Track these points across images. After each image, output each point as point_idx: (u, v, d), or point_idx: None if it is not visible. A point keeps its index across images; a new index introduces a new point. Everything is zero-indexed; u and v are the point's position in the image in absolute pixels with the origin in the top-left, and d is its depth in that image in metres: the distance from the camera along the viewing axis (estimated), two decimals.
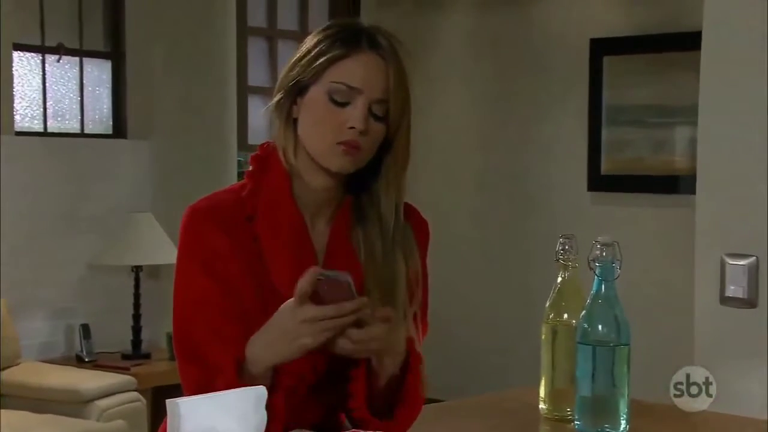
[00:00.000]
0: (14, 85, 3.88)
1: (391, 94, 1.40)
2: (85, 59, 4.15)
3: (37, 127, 4.03)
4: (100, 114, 4.24)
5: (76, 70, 4.13)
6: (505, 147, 4.76)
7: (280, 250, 1.39)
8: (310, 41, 1.41)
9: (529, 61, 4.69)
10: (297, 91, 1.40)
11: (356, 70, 1.38)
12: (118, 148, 4.16)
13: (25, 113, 4.01)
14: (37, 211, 3.85)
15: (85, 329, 3.89)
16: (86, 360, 3.82)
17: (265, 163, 1.43)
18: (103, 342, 3.95)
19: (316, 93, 1.39)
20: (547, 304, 1.59)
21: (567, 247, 1.58)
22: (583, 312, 1.47)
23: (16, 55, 3.90)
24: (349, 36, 1.40)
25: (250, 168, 1.43)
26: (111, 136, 4.22)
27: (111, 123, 4.24)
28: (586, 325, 1.46)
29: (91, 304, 4.00)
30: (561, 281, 1.59)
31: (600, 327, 1.45)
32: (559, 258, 1.58)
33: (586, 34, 4.49)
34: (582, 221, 4.34)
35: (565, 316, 1.58)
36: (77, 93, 4.14)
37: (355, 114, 1.38)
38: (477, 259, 4.82)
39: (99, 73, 4.22)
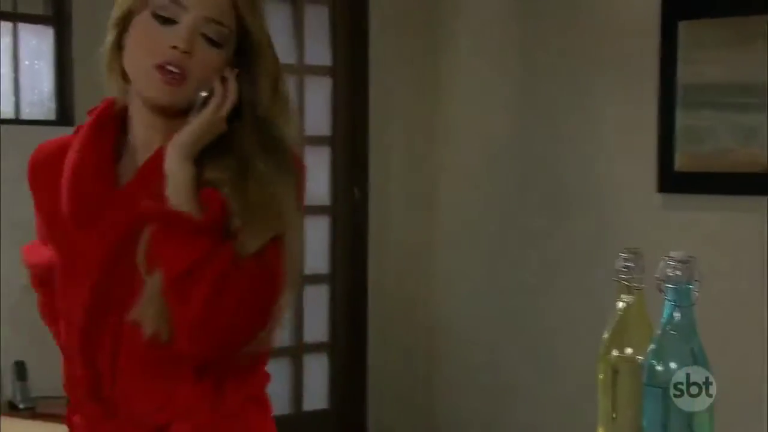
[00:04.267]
0: None
1: (247, 12, 1.57)
2: (20, 25, 4.17)
3: None
4: (39, 95, 4.26)
5: (9, 39, 4.15)
6: (550, 137, 4.76)
7: (67, 176, 1.64)
8: None
9: (581, 28, 4.69)
10: (127, 21, 1.60)
11: None
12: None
13: None
14: None
15: (20, 368, 3.90)
16: (21, 407, 3.83)
17: (95, 110, 1.70)
18: (43, 384, 3.95)
19: (141, 15, 1.58)
20: (606, 335, 1.59)
21: (631, 265, 1.57)
22: (652, 346, 1.47)
23: None
24: None
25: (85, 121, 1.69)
26: (54, 123, 4.24)
27: (54, 106, 4.26)
28: (655, 363, 1.46)
29: (27, 335, 4.01)
30: (623, 307, 1.59)
31: (673, 365, 1.45)
32: (621, 278, 1.58)
33: None
34: (650, 231, 4.33)
35: (629, 350, 1.58)
36: (10, 68, 4.16)
37: (177, 30, 1.54)
38: (515, 277, 4.82)
39: (38, 42, 4.24)
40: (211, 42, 1.56)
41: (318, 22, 4.94)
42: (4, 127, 4.08)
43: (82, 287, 1.62)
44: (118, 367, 1.62)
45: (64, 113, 4.26)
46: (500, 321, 4.84)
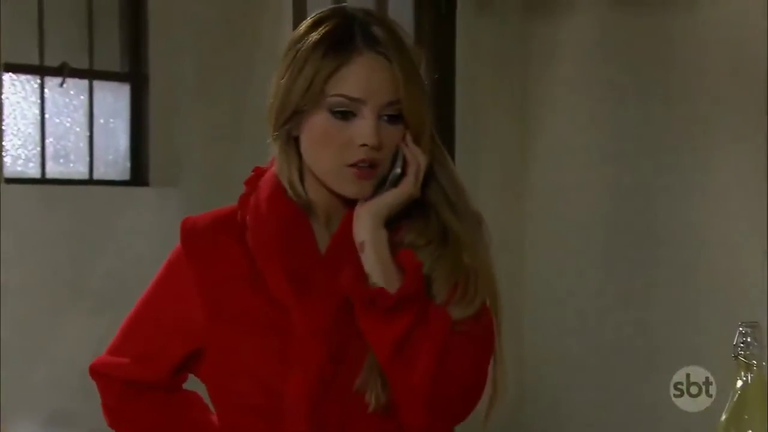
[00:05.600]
0: (4, 117, 3.98)
1: (403, 94, 1.58)
2: (95, 83, 4.23)
3: (33, 172, 4.11)
4: (114, 154, 4.31)
5: (85, 96, 4.21)
6: (646, 198, 4.71)
7: (270, 245, 1.63)
8: (295, 50, 1.60)
9: (682, 78, 4.64)
10: (296, 115, 1.62)
11: (355, 79, 1.58)
12: (137, 197, 4.22)
13: (18, 154, 4.09)
14: (32, 281, 3.90)
15: None
16: None
17: (257, 181, 1.69)
18: None
19: (316, 111, 1.60)
20: (723, 416, 1.56)
21: (749, 340, 1.55)
22: None
23: (7, 77, 4.00)
24: (340, 38, 1.59)
25: (244, 192, 1.69)
26: (129, 183, 4.28)
27: (129, 166, 4.31)
28: None
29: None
30: (742, 386, 1.56)
31: None
32: (739, 354, 1.55)
33: None
34: (762, 300, 4.24)
35: None
36: (85, 127, 4.22)
37: (363, 127, 1.58)
38: (610, 348, 4.74)
39: (114, 100, 4.29)
40: (390, 119, 1.60)
41: None
42: (76, 187, 4.13)
43: (306, 354, 1.63)
44: None
45: (139, 173, 4.30)
46: (596, 395, 4.76)
